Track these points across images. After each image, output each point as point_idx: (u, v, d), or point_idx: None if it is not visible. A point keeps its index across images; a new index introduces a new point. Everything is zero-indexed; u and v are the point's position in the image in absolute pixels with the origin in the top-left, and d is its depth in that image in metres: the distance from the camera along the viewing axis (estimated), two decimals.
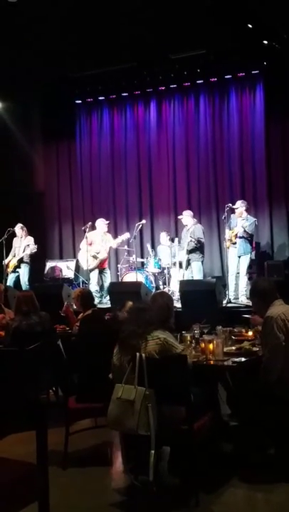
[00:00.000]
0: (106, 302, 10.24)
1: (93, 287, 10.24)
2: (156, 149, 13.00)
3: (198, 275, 10.19)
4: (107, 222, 11.03)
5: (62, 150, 13.91)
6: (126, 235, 10.79)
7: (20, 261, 10.84)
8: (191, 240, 10.05)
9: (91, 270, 10.57)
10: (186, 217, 10.48)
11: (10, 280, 10.84)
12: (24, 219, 11.10)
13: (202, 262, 10.36)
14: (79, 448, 4.61)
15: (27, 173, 13.20)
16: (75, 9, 9.04)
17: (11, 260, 10.92)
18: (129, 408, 3.78)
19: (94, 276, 10.59)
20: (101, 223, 10.82)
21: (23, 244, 10.87)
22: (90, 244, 10.60)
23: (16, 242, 11.01)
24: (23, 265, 10.85)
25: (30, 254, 10.82)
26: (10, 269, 10.91)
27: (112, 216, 12.80)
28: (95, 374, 4.52)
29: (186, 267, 10.29)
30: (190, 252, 10.16)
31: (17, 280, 10.87)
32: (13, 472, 2.59)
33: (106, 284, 10.60)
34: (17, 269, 10.89)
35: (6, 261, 10.92)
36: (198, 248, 10.17)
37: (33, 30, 9.56)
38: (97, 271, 10.62)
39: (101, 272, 10.73)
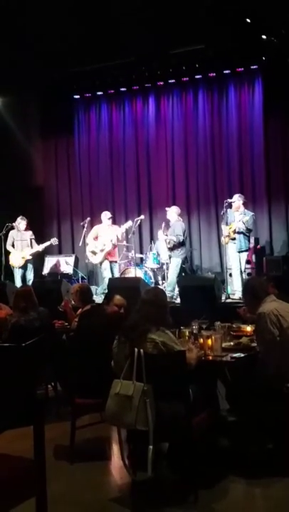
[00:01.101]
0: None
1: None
2: (155, 144, 12.98)
3: (174, 271, 10.15)
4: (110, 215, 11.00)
5: (61, 145, 13.88)
6: (128, 224, 10.76)
7: (35, 254, 10.74)
8: (170, 238, 10.10)
9: (101, 263, 10.61)
10: (171, 213, 10.45)
11: (17, 275, 10.64)
12: (22, 214, 11.04)
13: (183, 258, 10.38)
14: (77, 443, 4.60)
15: (25, 169, 13.16)
16: (73, 5, 9.01)
17: (19, 253, 10.63)
18: (127, 403, 3.78)
19: (106, 267, 10.58)
20: (104, 217, 10.81)
21: (27, 237, 10.72)
22: (96, 238, 10.61)
23: (15, 234, 10.76)
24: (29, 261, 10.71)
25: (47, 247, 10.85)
26: (19, 264, 10.63)
27: (111, 211, 12.71)
28: (95, 369, 4.51)
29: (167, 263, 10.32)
30: (171, 249, 10.16)
31: (23, 275, 10.65)
32: (11, 468, 2.59)
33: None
34: (28, 263, 10.71)
35: (14, 255, 10.65)
36: (179, 245, 10.17)
37: (31, 26, 9.53)
38: (108, 263, 10.58)
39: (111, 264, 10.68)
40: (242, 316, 5.24)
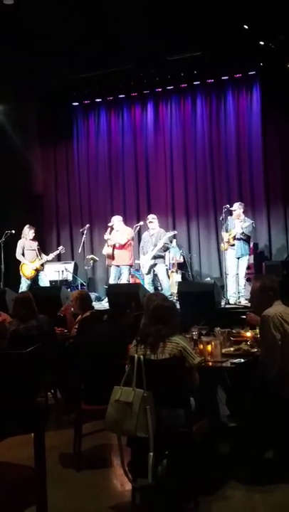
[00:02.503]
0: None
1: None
2: (154, 151, 13.01)
3: (166, 277, 10.21)
4: (121, 218, 10.95)
5: (60, 152, 13.90)
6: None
7: (43, 264, 10.70)
8: (162, 247, 10.07)
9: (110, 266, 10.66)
10: (155, 222, 10.35)
11: (24, 284, 10.50)
12: (22, 221, 11.03)
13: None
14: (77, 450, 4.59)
15: (25, 176, 13.17)
16: (72, 11, 9.04)
17: (32, 263, 10.51)
18: (127, 410, 3.77)
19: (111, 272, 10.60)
20: (115, 220, 10.76)
21: (34, 246, 10.61)
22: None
23: (25, 244, 10.58)
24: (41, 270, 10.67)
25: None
26: (31, 275, 10.49)
27: (110, 218, 12.76)
28: (95, 375, 4.51)
29: (149, 272, 10.19)
30: (156, 257, 10.11)
31: (32, 285, 10.44)
32: (11, 476, 2.58)
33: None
34: (40, 272, 10.64)
35: (27, 267, 10.50)
36: (164, 251, 10.28)
37: (30, 32, 9.57)
38: (112, 268, 10.54)
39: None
40: (253, 322, 5.19)
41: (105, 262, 11.14)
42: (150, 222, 10.34)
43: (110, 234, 10.54)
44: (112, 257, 10.49)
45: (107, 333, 4.89)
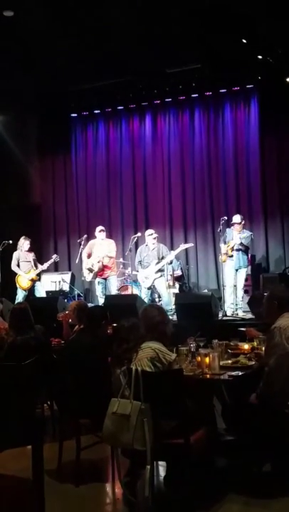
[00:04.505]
0: None
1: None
2: (152, 163, 13.05)
3: (165, 292, 10.12)
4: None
5: (58, 163, 13.93)
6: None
7: (39, 274, 10.72)
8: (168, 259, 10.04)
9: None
10: (155, 237, 10.28)
11: (20, 295, 10.51)
12: (19, 232, 11.03)
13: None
14: (73, 463, 4.56)
15: (23, 187, 13.19)
16: (70, 23, 9.10)
17: (27, 274, 10.53)
18: (124, 423, 3.76)
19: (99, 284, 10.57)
20: (97, 231, 10.72)
21: (30, 258, 10.63)
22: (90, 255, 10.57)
23: (20, 255, 10.62)
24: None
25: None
26: (27, 286, 10.52)
27: (108, 229, 12.76)
28: (88, 388, 4.49)
29: (150, 286, 10.10)
30: (159, 270, 10.07)
31: (28, 296, 10.45)
32: (8, 488, 2.56)
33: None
34: (36, 283, 10.67)
35: (22, 278, 10.54)
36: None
37: (29, 44, 9.62)
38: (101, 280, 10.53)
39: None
40: (253, 335, 5.19)
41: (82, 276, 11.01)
42: (154, 237, 10.23)
43: (90, 248, 10.53)
44: (102, 272, 10.44)
45: (86, 344, 4.90)
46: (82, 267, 10.66)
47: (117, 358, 4.29)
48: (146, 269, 10.09)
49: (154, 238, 10.24)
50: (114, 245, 10.70)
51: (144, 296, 10.10)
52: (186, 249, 12.18)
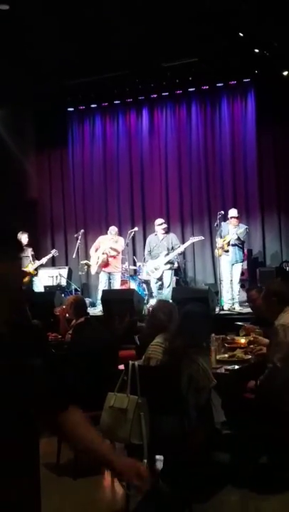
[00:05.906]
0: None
1: None
2: (149, 157, 13.03)
3: (170, 285, 10.15)
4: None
5: (55, 158, 13.90)
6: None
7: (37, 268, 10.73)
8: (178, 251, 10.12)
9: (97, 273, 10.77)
10: (165, 227, 10.33)
11: None
12: (16, 226, 10.97)
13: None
14: (70, 458, 4.56)
15: (19, 181, 13.15)
16: (67, 17, 9.05)
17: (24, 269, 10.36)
18: (121, 417, 3.76)
19: (102, 279, 10.70)
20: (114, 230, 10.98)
21: (28, 253, 10.58)
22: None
23: None
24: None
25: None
26: (26, 279, 10.34)
27: (105, 223, 12.77)
28: (89, 381, 4.49)
29: (161, 277, 10.11)
30: (169, 262, 10.10)
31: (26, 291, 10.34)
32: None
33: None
34: (34, 277, 10.68)
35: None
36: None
37: (25, 38, 9.57)
38: (103, 274, 10.65)
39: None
40: (251, 332, 5.18)
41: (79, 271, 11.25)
42: (164, 227, 10.27)
43: (99, 243, 10.70)
44: (106, 264, 10.51)
45: (99, 339, 4.89)
46: (91, 261, 10.80)
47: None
48: (156, 259, 10.10)
49: (164, 228, 10.26)
50: (122, 241, 10.79)
51: (154, 287, 10.23)
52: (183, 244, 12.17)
